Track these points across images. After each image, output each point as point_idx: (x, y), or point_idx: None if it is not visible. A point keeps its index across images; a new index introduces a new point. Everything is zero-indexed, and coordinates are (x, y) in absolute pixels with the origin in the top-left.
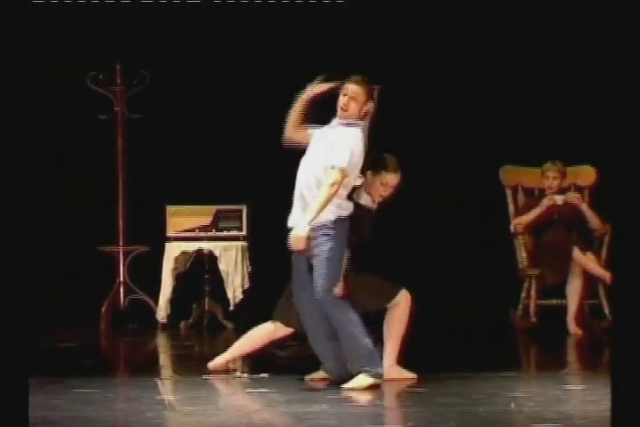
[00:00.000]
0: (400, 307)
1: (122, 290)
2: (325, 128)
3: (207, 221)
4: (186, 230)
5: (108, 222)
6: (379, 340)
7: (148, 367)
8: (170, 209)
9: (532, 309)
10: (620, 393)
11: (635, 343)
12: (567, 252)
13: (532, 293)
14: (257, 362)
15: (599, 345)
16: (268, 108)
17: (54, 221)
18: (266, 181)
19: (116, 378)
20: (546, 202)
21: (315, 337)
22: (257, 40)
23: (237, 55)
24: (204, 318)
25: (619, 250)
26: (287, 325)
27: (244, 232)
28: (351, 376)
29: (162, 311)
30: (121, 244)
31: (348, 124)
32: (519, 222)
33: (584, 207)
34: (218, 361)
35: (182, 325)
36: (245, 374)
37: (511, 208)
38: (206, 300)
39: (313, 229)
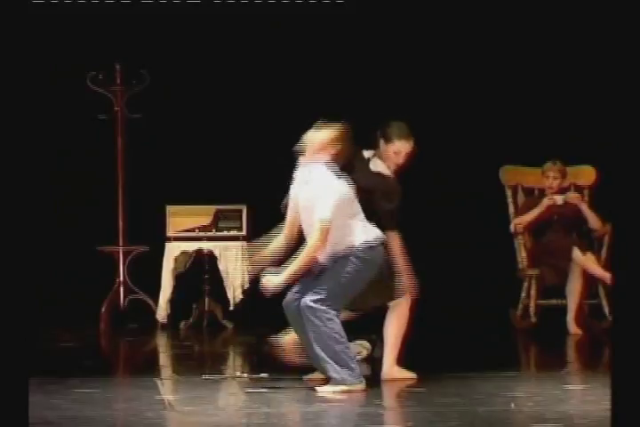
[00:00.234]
0: (401, 307)
1: (122, 290)
2: (301, 173)
3: (207, 221)
4: (186, 230)
5: (107, 222)
6: (377, 340)
7: (148, 367)
8: (170, 209)
9: (531, 309)
10: (620, 393)
11: (635, 343)
12: (567, 252)
13: (532, 293)
14: (257, 362)
15: (599, 345)
16: (267, 108)
17: (54, 221)
18: (266, 182)
19: (115, 378)
20: (546, 202)
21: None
22: (256, 40)
23: (237, 55)
24: (203, 318)
25: (619, 250)
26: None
27: (243, 232)
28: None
29: (162, 311)
30: (121, 244)
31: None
32: (519, 222)
33: (584, 207)
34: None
35: (182, 325)
36: (245, 374)
37: (511, 208)
38: (206, 300)
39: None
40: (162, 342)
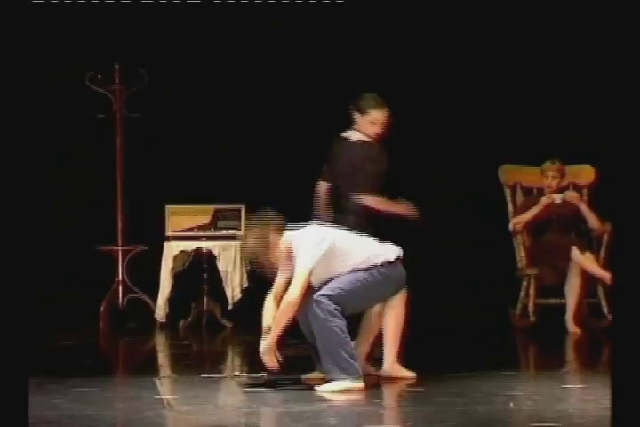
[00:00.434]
0: (397, 306)
1: (121, 289)
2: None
3: (206, 220)
4: (184, 230)
5: (106, 222)
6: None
7: (147, 367)
8: (169, 208)
9: (530, 308)
10: (619, 393)
11: (635, 343)
12: (566, 251)
13: (531, 292)
14: (255, 362)
15: (598, 344)
16: (266, 108)
17: (53, 220)
18: (264, 181)
19: (114, 377)
20: (544, 200)
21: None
22: (256, 39)
23: (236, 55)
24: (202, 318)
25: (619, 249)
26: None
27: (242, 231)
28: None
29: (161, 311)
30: (120, 243)
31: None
32: (518, 222)
33: (583, 207)
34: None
35: (181, 324)
36: (244, 374)
37: (510, 207)
38: (205, 299)
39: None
40: (161, 342)
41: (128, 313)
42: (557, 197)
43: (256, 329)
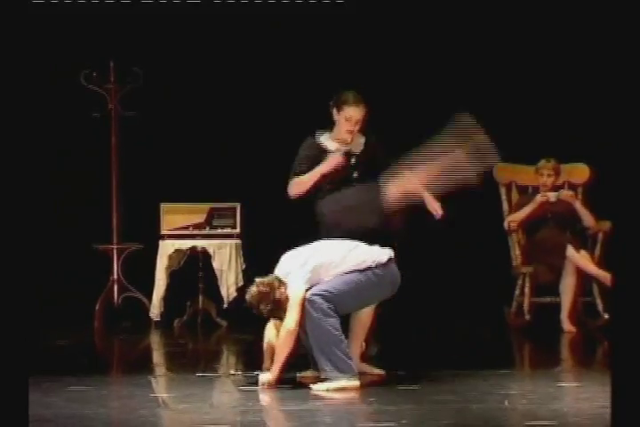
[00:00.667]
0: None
1: (116, 288)
2: None
3: (201, 218)
4: (180, 228)
5: (101, 220)
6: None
7: (142, 365)
8: (164, 207)
9: (525, 306)
10: (619, 392)
11: (634, 343)
12: (561, 250)
13: (526, 290)
14: (251, 360)
15: (593, 343)
16: (263, 107)
17: (48, 219)
18: (259, 179)
19: (110, 376)
20: (539, 198)
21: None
22: (253, 39)
23: (236, 54)
24: (197, 316)
25: (618, 248)
26: None
27: (237, 230)
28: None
29: (156, 309)
30: (115, 241)
31: None
32: (513, 220)
33: (578, 205)
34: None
35: (176, 322)
36: (239, 372)
37: (505, 206)
38: (200, 298)
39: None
40: (156, 340)
41: (123, 312)
42: (552, 196)
43: (251, 328)
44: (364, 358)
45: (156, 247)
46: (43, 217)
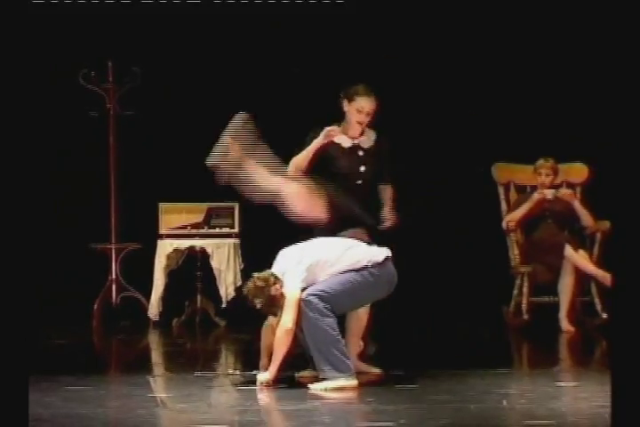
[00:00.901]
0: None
1: (114, 287)
2: None
3: (199, 218)
4: (178, 228)
5: (100, 220)
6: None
7: (141, 365)
8: (162, 206)
9: (524, 306)
10: (619, 392)
11: (634, 342)
12: (559, 249)
13: (525, 290)
14: (249, 359)
15: (591, 342)
16: (261, 106)
17: (46, 218)
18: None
19: (108, 375)
20: (536, 196)
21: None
22: (253, 39)
23: (232, 53)
24: (196, 316)
25: (618, 248)
26: None
27: (236, 229)
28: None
29: (154, 309)
30: (113, 241)
31: None
32: (511, 219)
33: (576, 204)
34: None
35: (174, 322)
36: (237, 372)
37: (503, 205)
38: (198, 297)
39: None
40: (154, 340)
41: (121, 311)
42: (549, 193)
43: (249, 327)
44: (363, 357)
45: (155, 247)
46: (41, 217)
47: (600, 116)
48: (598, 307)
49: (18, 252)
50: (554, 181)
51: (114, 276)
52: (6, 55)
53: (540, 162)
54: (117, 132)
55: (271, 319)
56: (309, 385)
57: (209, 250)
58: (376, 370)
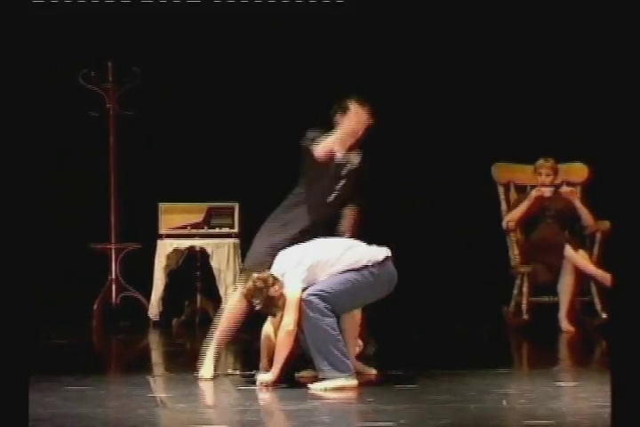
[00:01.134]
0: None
1: (114, 287)
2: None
3: (199, 218)
4: (178, 228)
5: (100, 220)
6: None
7: (140, 365)
8: (162, 206)
9: (524, 306)
10: (619, 392)
11: (634, 342)
12: (559, 249)
13: (525, 290)
14: (249, 359)
15: (591, 342)
16: (261, 106)
17: (46, 218)
18: (258, 179)
19: (108, 375)
20: (534, 193)
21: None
22: (253, 39)
23: (232, 53)
24: (196, 316)
25: (618, 248)
26: None
27: (235, 229)
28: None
29: (154, 309)
30: (113, 241)
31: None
32: (511, 219)
33: (577, 203)
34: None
35: (174, 322)
36: (237, 372)
37: (503, 205)
38: (198, 297)
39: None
40: (154, 340)
41: (121, 311)
42: (547, 191)
43: (249, 327)
44: (361, 357)
45: (155, 247)
46: (41, 217)
47: (600, 116)
48: (598, 307)
49: (18, 252)
50: (554, 181)
51: (114, 276)
52: (6, 55)
53: (540, 162)
54: (117, 132)
55: (271, 320)
56: (309, 385)
57: (209, 250)
58: (372, 370)
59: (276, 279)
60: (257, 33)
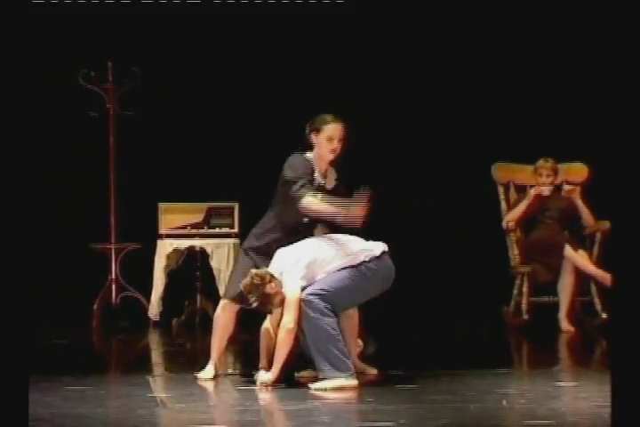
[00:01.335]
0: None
1: (114, 287)
2: None
3: (199, 218)
4: (178, 228)
5: (100, 220)
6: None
7: (140, 365)
8: (162, 206)
9: (524, 306)
10: (619, 392)
11: (634, 342)
12: (559, 249)
13: (525, 290)
14: (249, 359)
15: (591, 342)
16: (261, 106)
17: (46, 218)
18: (257, 179)
19: (108, 375)
20: (532, 192)
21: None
22: (253, 39)
23: (232, 53)
24: (195, 316)
25: (618, 248)
26: None
27: (235, 229)
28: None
29: (154, 309)
30: (113, 241)
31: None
32: (511, 219)
33: (579, 202)
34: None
35: (174, 322)
36: (237, 372)
37: (503, 205)
38: (198, 297)
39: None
40: (154, 340)
41: (121, 311)
42: (545, 189)
43: (249, 327)
44: (361, 357)
45: (154, 247)
46: (41, 217)
47: (600, 116)
48: (598, 307)
49: (18, 252)
50: (554, 181)
51: (114, 276)
52: (6, 55)
53: (541, 162)
54: (117, 132)
55: (270, 320)
56: (309, 385)
57: (209, 250)
58: (373, 370)
59: (272, 277)
60: (257, 33)
